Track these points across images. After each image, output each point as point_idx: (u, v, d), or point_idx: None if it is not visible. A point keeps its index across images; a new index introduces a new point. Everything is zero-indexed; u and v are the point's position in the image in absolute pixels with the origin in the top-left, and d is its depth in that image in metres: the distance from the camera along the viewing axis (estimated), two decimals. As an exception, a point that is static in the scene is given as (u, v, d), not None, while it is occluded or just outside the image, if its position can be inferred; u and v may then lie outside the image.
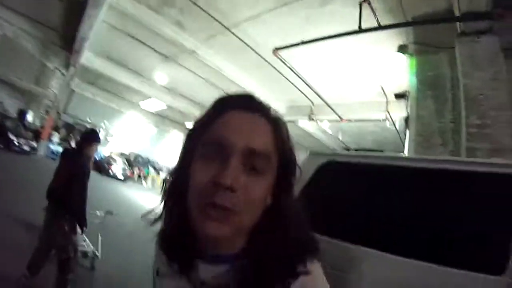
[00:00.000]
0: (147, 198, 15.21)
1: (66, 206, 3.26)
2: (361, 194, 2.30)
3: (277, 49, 8.27)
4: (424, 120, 6.13)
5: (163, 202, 0.73)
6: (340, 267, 1.96)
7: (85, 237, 4.32)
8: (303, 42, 7.43)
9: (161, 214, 0.74)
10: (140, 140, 25.79)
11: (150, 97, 19.17)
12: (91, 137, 3.61)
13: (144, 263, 5.27)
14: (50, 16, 13.17)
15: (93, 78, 19.35)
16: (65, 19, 12.95)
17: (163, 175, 23.97)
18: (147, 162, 24.38)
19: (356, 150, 20.38)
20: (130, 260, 5.36)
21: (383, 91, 10.62)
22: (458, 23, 5.24)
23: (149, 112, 23.87)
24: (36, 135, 17.04)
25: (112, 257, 4.97)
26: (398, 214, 2.16)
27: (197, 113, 13.18)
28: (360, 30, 6.31)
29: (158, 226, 0.76)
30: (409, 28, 6.53)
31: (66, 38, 14.34)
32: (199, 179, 0.60)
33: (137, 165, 22.65)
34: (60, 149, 17.69)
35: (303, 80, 10.36)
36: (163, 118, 25.07)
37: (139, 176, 22.05)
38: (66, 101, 18.69)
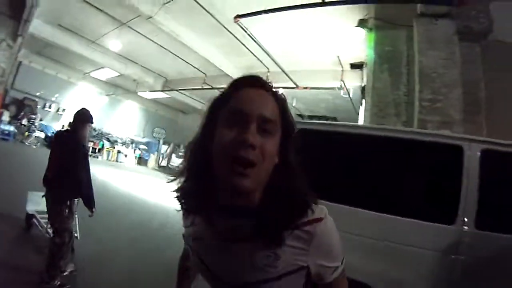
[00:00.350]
0: (109, 173, 14.70)
1: (67, 190, 3.28)
2: (327, 157, 2.80)
3: (239, 16, 8.09)
4: (380, 92, 6.53)
5: (186, 163, 0.87)
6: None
7: None
8: (266, 11, 7.35)
9: (183, 172, 0.87)
10: (93, 112, 24.32)
11: (103, 66, 17.94)
12: (84, 117, 3.66)
13: (125, 236, 5.25)
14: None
15: (41, 48, 17.59)
16: None
17: (119, 147, 23.20)
18: (101, 135, 23.25)
19: (310, 116, 21.12)
20: (111, 237, 5.33)
21: (340, 61, 10.98)
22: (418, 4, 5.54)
23: (101, 81, 22.38)
24: (-17, 115, 15.38)
25: (92, 236, 4.86)
26: (360, 173, 2.71)
27: (151, 81, 12.88)
28: (324, 3, 6.40)
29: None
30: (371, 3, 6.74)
31: (14, 6, 12.70)
32: (226, 138, 0.74)
33: (90, 138, 21.56)
34: (11, 128, 16.64)
35: (261, 47, 10.34)
36: (116, 88, 23.72)
37: (94, 149, 21.08)
38: (13, 75, 16.81)
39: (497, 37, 5.94)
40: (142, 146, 24.11)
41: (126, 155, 22.85)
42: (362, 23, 7.18)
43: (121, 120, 26.25)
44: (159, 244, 5.49)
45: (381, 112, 6.43)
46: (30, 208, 4.70)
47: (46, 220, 4.29)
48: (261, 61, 12.06)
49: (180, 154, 21.45)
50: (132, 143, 25.08)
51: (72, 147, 3.39)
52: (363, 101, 7.94)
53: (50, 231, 3.99)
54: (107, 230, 4.90)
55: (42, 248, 3.93)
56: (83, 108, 3.87)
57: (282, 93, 0.87)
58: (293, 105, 17.95)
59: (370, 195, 2.58)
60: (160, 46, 13.32)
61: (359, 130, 3.17)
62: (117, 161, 22.16)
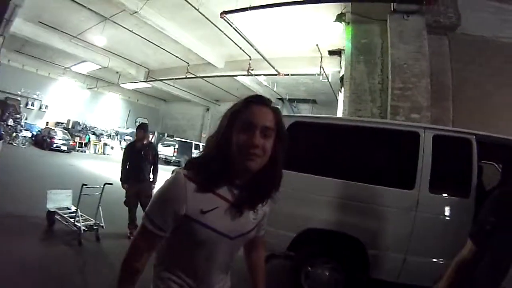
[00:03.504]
0: (105, 166, 15.05)
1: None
2: (317, 142, 3.70)
3: (225, 12, 8.56)
4: (357, 81, 7.17)
5: (207, 151, 1.17)
6: (308, 190, 3.44)
7: (80, 213, 4.70)
8: (251, 8, 7.86)
9: (204, 157, 1.16)
10: (76, 106, 24.04)
11: (84, 60, 17.74)
12: (143, 127, 5.42)
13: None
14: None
15: (19, 46, 17.18)
16: None
17: (104, 140, 23.13)
18: (86, 129, 23.19)
19: (290, 100, 21.55)
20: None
21: (318, 48, 11.60)
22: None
23: (83, 74, 22.01)
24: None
25: (115, 225, 5.32)
26: (344, 155, 3.58)
27: (134, 72, 13.02)
28: (306, 1, 7.00)
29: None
30: (348, -1, 7.35)
31: None
32: (242, 140, 1.07)
33: (77, 133, 21.46)
34: None
35: (244, 38, 10.74)
36: (98, 80, 23.47)
37: (80, 144, 21.06)
38: None
39: (464, 30, 6.63)
40: (127, 137, 24.19)
41: (112, 147, 22.84)
42: (339, 17, 7.77)
43: (104, 113, 26.08)
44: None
45: (359, 99, 7.10)
46: (51, 205, 5.05)
47: (70, 215, 4.87)
48: (243, 50, 12.42)
49: (165, 143, 21.67)
50: (117, 134, 25.07)
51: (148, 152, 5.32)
52: (342, 89, 8.61)
53: (78, 224, 4.55)
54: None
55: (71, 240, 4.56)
56: (142, 123, 5.31)
57: (278, 108, 1.19)
58: (274, 90, 18.49)
59: (355, 171, 3.42)
60: (143, 38, 13.45)
61: (339, 121, 4.21)
62: (104, 153, 22.20)
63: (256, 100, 1.14)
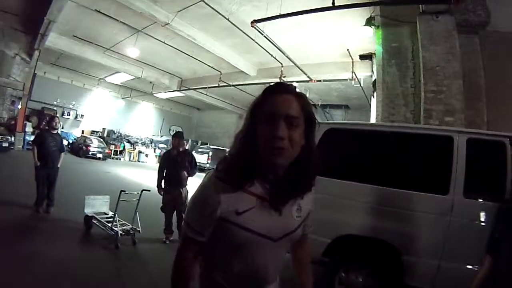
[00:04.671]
0: (140, 174, 15.46)
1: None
2: (351, 148, 3.76)
3: (255, 21, 8.74)
4: (389, 85, 7.12)
5: (234, 149, 1.09)
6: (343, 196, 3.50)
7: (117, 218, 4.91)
8: (281, 16, 7.99)
9: (232, 156, 1.09)
10: (110, 115, 25.24)
11: (118, 71, 18.57)
12: (178, 135, 5.64)
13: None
14: (7, 1, 11.95)
15: (55, 59, 18.23)
16: (26, 2, 11.91)
17: (139, 148, 23.91)
18: (121, 137, 24.22)
19: (322, 106, 21.35)
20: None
21: (349, 53, 11.53)
22: (420, 2, 6.12)
23: (117, 85, 23.06)
24: (9, 128, 15.89)
25: (151, 230, 5.51)
26: (378, 160, 3.60)
27: (167, 82, 13.63)
28: (334, 7, 7.03)
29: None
30: (376, 2, 7.30)
31: (28, 21, 13.27)
32: (265, 133, 1.00)
33: (112, 141, 22.47)
34: None
35: (275, 45, 10.89)
36: (132, 90, 24.43)
37: (116, 152, 21.99)
38: (29, 86, 17.56)
39: (494, 27, 6.45)
40: (161, 145, 24.95)
41: (147, 155, 23.59)
42: (369, 21, 7.72)
43: (138, 121, 27.15)
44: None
45: (392, 103, 7.04)
46: (88, 210, 5.31)
47: (108, 220, 5.07)
48: (274, 58, 12.61)
49: (199, 150, 22.09)
50: (151, 142, 25.89)
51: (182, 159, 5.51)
52: (375, 93, 8.51)
53: (115, 228, 4.73)
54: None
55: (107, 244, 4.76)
56: (177, 131, 5.60)
57: (302, 93, 1.10)
58: (307, 96, 18.37)
59: (389, 176, 3.43)
60: (175, 49, 13.87)
61: (371, 127, 4.20)
62: (138, 161, 22.91)
63: (277, 89, 1.07)
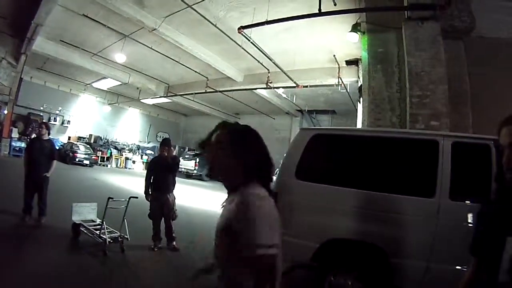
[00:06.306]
0: (127, 180, 15.32)
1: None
2: (337, 153, 3.79)
3: (242, 27, 8.78)
4: (375, 90, 7.15)
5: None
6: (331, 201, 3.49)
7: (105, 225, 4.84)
8: (268, 22, 8.04)
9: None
10: (97, 121, 24.94)
11: (105, 77, 18.44)
12: (166, 143, 5.65)
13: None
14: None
15: (41, 63, 17.99)
16: (14, 5, 11.64)
17: (126, 154, 23.72)
18: (107, 143, 23.93)
19: (309, 111, 21.59)
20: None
21: (336, 59, 11.67)
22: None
23: (104, 90, 22.79)
24: (-6, 133, 15.42)
25: (139, 237, 5.47)
26: (365, 165, 3.63)
27: (154, 87, 13.69)
28: (320, 13, 7.11)
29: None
30: (362, 8, 7.41)
31: (15, 25, 13.03)
32: None
33: (98, 147, 22.17)
34: (22, 144, 16.29)
35: (261, 51, 10.97)
36: (119, 96, 24.24)
37: (102, 158, 21.70)
38: (15, 91, 17.21)
39: (479, 33, 6.55)
40: (148, 151, 24.74)
41: (134, 161, 23.40)
42: (355, 27, 7.83)
43: (125, 127, 26.88)
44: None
45: (378, 108, 7.09)
46: (76, 218, 5.26)
47: (95, 227, 5.02)
48: (261, 64, 12.68)
49: (187, 156, 21.95)
50: (138, 149, 25.70)
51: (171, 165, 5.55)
52: (361, 99, 8.61)
53: (103, 236, 4.68)
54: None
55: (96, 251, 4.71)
56: (165, 138, 5.71)
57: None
58: (293, 101, 18.58)
59: (376, 180, 3.47)
60: (163, 54, 13.84)
61: (357, 133, 4.38)
62: (125, 167, 22.73)
63: None
